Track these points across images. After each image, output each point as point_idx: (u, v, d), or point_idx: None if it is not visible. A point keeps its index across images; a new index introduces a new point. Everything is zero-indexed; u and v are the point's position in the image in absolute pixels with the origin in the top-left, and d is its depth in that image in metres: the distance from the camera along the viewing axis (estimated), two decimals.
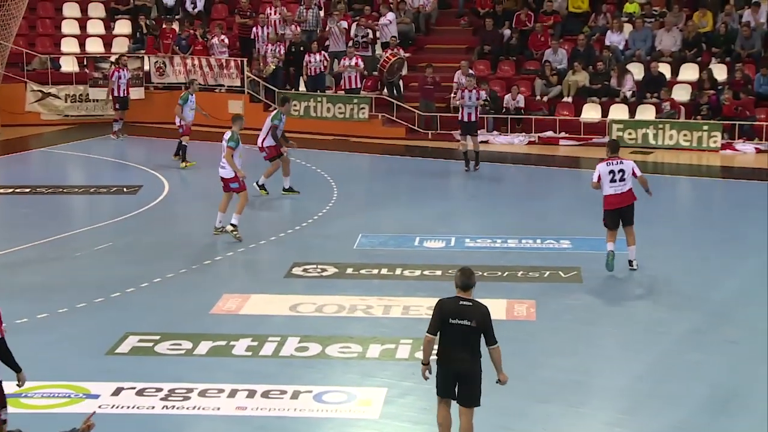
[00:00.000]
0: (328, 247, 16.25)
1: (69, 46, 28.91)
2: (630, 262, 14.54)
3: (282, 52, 26.87)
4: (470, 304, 8.87)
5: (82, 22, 29.72)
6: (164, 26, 28.37)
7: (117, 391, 10.62)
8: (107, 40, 29.23)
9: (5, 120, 26.02)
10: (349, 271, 15.02)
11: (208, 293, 13.93)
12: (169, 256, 15.78)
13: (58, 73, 27.69)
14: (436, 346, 8.97)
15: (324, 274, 14.90)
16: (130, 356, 11.74)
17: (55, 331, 12.65)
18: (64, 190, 20.46)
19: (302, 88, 27.04)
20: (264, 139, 19.36)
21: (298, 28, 27.07)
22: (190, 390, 10.69)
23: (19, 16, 26.55)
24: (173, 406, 10.36)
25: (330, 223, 17.79)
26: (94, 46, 29.00)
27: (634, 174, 14.35)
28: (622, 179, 14.28)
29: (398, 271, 14.97)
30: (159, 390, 10.67)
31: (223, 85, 27.12)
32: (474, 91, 21.58)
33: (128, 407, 10.33)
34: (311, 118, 26.03)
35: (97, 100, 27.28)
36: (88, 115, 27.36)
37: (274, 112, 19.90)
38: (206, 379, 10.95)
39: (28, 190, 20.12)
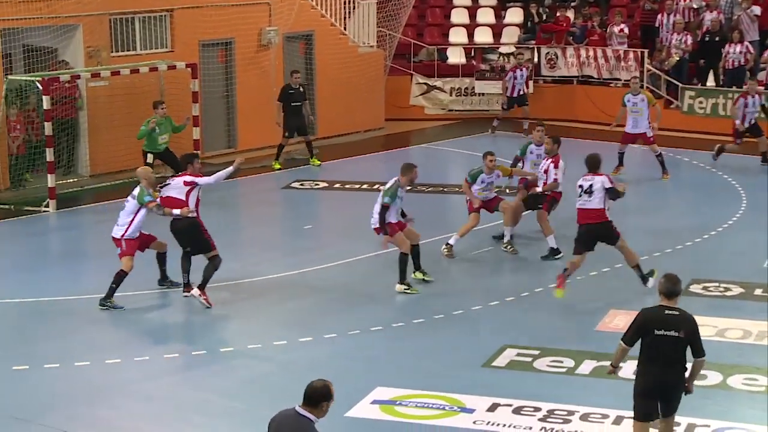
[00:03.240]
0: (734, 264, 15.68)
1: (457, 36, 29.92)
2: None
3: (689, 42, 26.19)
4: (677, 313, 8.94)
5: (472, 11, 30.64)
6: (558, 14, 28.59)
7: (493, 407, 10.85)
8: (497, 30, 29.93)
9: (390, 113, 27.40)
10: (758, 292, 14.45)
11: (593, 307, 13.92)
12: (551, 265, 15.87)
13: (444, 65, 28.75)
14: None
15: (727, 293, 14.44)
16: (507, 370, 11.96)
17: (431, 338, 13.16)
18: (445, 189, 21.19)
19: (710, 83, 26.24)
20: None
21: (721, 15, 26.22)
22: (571, 413, 10.71)
23: (410, 5, 27.89)
24: (552, 429, 10.42)
25: (736, 237, 17.15)
26: (483, 36, 29.81)
27: None
28: None
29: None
30: (537, 410, 10.79)
31: (619, 79, 26.88)
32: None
33: (504, 425, 10.51)
34: (719, 116, 25.16)
35: (483, 94, 27.99)
36: (472, 110, 28.18)
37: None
38: (589, 402, 10.93)
39: (408, 188, 21.01)
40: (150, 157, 19.62)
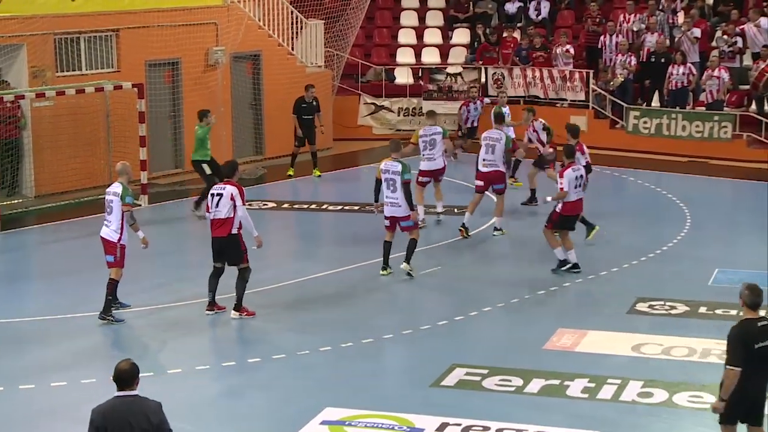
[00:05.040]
0: (679, 282, 15.86)
1: (404, 56, 30.07)
2: None
3: (633, 62, 26.52)
4: (767, 322, 9.33)
5: (419, 31, 30.80)
6: (505, 35, 28.80)
7: (442, 427, 10.87)
8: (444, 50, 30.12)
9: (337, 134, 27.43)
10: (702, 310, 14.59)
11: (541, 326, 14.00)
12: (499, 283, 15.98)
13: (392, 85, 28.86)
14: None
15: (673, 312, 14.56)
16: (456, 389, 12.00)
17: (380, 358, 13.19)
18: None
19: (655, 103, 26.57)
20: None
21: (662, 36, 26.58)
22: (520, 431, 10.76)
23: (357, 26, 27.96)
24: None
25: (681, 255, 17.34)
26: (430, 57, 29.99)
27: None
28: None
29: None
30: (486, 429, 10.82)
31: (565, 99, 27.17)
32: None
33: None
34: (663, 137, 25.51)
35: None
36: None
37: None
38: (537, 421, 10.99)
39: (356, 207, 21.08)
40: (206, 168, 19.85)
